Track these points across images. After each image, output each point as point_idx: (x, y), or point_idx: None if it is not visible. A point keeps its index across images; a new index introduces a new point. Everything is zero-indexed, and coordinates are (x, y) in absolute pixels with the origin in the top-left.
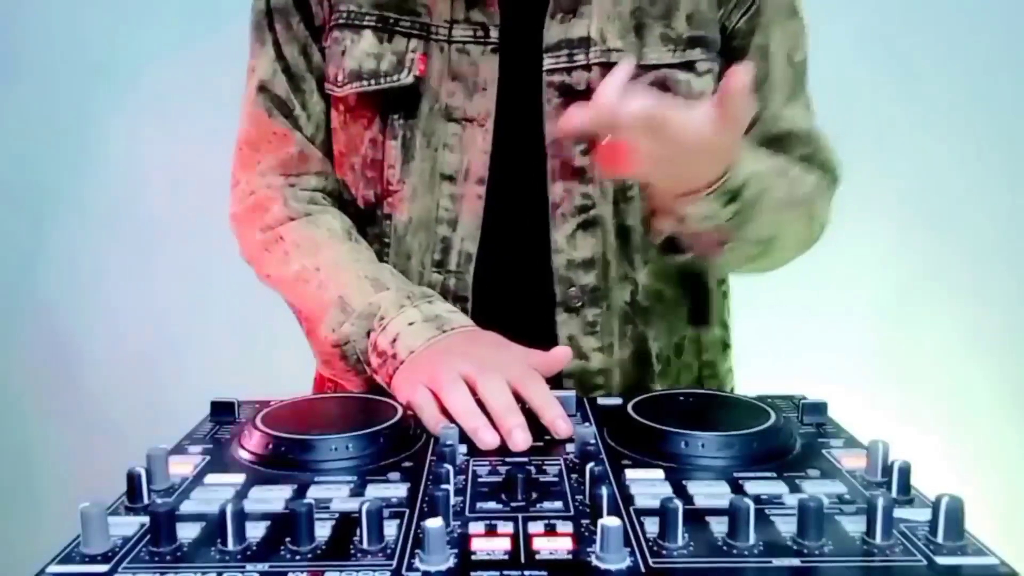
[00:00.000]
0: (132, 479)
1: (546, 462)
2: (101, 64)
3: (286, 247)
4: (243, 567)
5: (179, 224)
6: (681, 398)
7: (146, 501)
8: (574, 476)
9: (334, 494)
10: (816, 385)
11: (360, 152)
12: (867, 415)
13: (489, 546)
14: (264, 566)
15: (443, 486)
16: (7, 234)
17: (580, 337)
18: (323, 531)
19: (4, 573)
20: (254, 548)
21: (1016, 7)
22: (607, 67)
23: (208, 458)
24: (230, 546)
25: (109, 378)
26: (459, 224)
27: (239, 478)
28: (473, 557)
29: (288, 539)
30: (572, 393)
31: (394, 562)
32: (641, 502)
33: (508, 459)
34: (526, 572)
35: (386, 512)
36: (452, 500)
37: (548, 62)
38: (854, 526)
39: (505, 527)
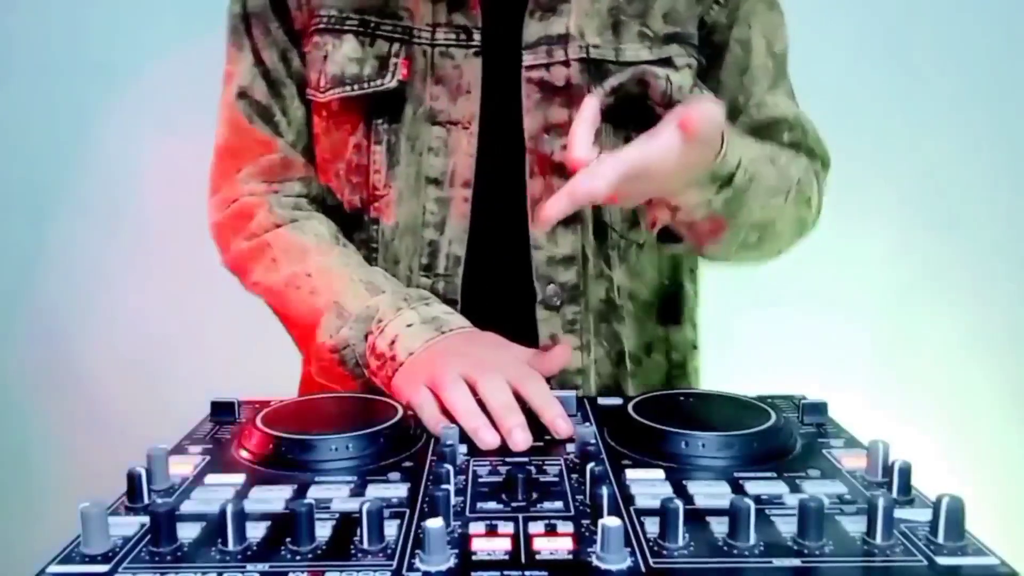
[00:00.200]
0: (132, 479)
1: (546, 462)
2: (100, 63)
3: (274, 254)
4: (243, 567)
5: (179, 224)
6: (681, 398)
7: (146, 501)
8: (574, 476)
9: (334, 494)
10: (816, 385)
11: (345, 158)
12: (867, 415)
13: (489, 546)
14: (264, 566)
15: (443, 486)
16: (6, 234)
17: (561, 335)
18: (323, 531)
19: (4, 573)
20: (254, 548)
21: (1016, 7)
22: (586, 63)
23: (208, 458)
24: (230, 546)
25: (109, 378)
26: (446, 227)
27: (239, 478)
28: (473, 557)
29: (288, 539)
30: (572, 393)
31: (394, 562)
32: (641, 502)
33: (508, 459)
34: (526, 572)
35: (386, 512)
36: (452, 500)
37: (527, 59)
38: (854, 526)
39: (505, 527)
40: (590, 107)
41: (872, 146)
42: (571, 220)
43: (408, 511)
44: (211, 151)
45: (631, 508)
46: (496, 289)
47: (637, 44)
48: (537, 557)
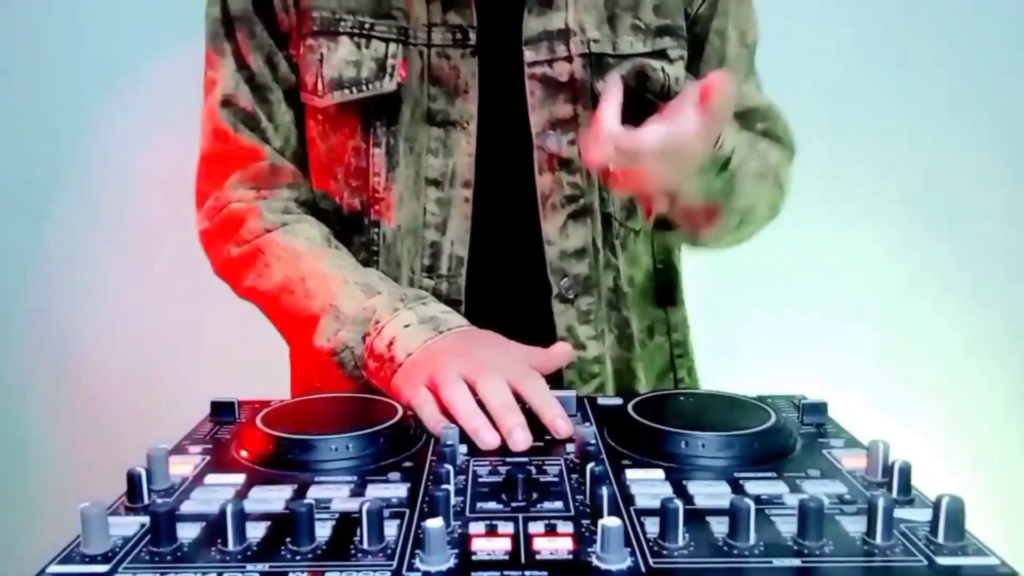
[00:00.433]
0: (132, 479)
1: (546, 462)
2: (99, 63)
3: (266, 259)
4: (243, 567)
5: (179, 223)
6: (681, 398)
7: (146, 501)
8: (574, 476)
9: (334, 494)
10: (816, 385)
11: (344, 161)
12: (867, 415)
13: (489, 546)
14: (264, 566)
15: (443, 486)
16: (6, 234)
17: (577, 327)
18: (323, 531)
19: (4, 573)
20: (254, 548)
21: (1017, 7)
22: (588, 58)
23: (208, 458)
24: (230, 546)
25: (109, 378)
26: (448, 228)
27: (239, 478)
28: (473, 557)
29: (288, 539)
30: (572, 393)
31: (394, 562)
32: (641, 502)
33: (508, 459)
34: (526, 572)
35: (386, 512)
36: (452, 500)
37: (529, 55)
38: (854, 526)
39: (505, 527)
40: (615, 85)
41: (872, 146)
42: (581, 213)
43: (408, 511)
44: None
45: (631, 508)
46: (503, 287)
47: (631, 37)
48: (537, 557)
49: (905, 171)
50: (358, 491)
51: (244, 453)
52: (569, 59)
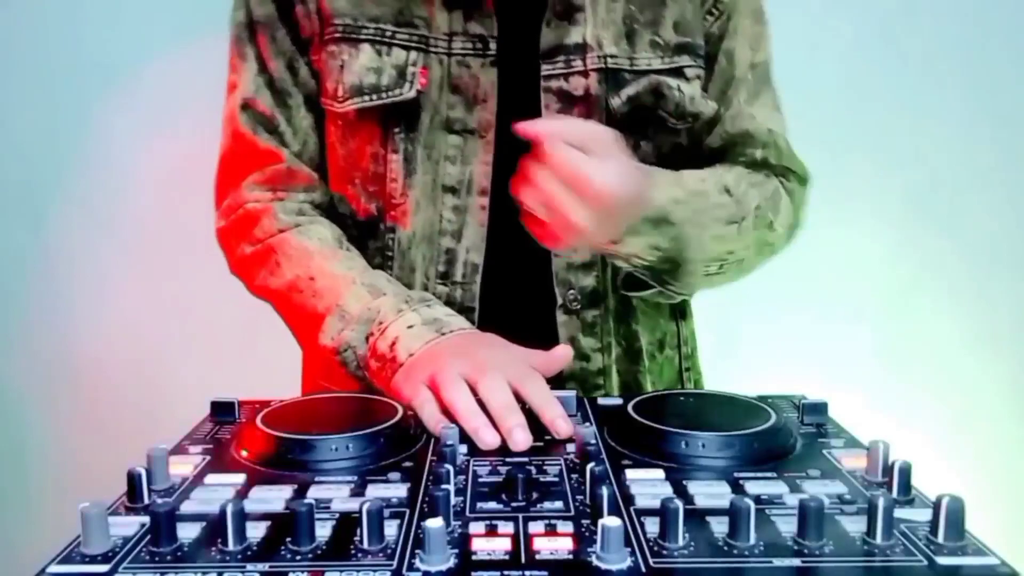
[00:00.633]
0: (132, 479)
1: (546, 462)
2: (100, 63)
3: (278, 258)
4: (243, 567)
5: (179, 223)
6: (681, 398)
7: (146, 501)
8: (574, 476)
9: (334, 494)
10: (816, 385)
11: (361, 167)
12: (867, 415)
13: (489, 546)
14: (264, 566)
15: (443, 486)
16: (6, 234)
17: (581, 338)
18: (323, 531)
19: (4, 573)
20: (254, 548)
21: (1017, 6)
22: (604, 72)
23: (208, 458)
24: (230, 546)
25: (109, 378)
26: (463, 236)
27: (239, 478)
28: (473, 557)
29: (288, 539)
30: (572, 393)
31: (394, 562)
32: (641, 502)
33: (508, 459)
34: (527, 572)
35: (386, 512)
36: (452, 500)
37: (545, 68)
38: (854, 526)
39: (505, 527)
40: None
41: (872, 146)
42: None
43: (408, 511)
44: (211, 151)
45: (631, 508)
46: (515, 295)
47: (650, 53)
48: (537, 557)
49: (905, 171)
50: (358, 491)
51: (244, 453)
52: (585, 73)
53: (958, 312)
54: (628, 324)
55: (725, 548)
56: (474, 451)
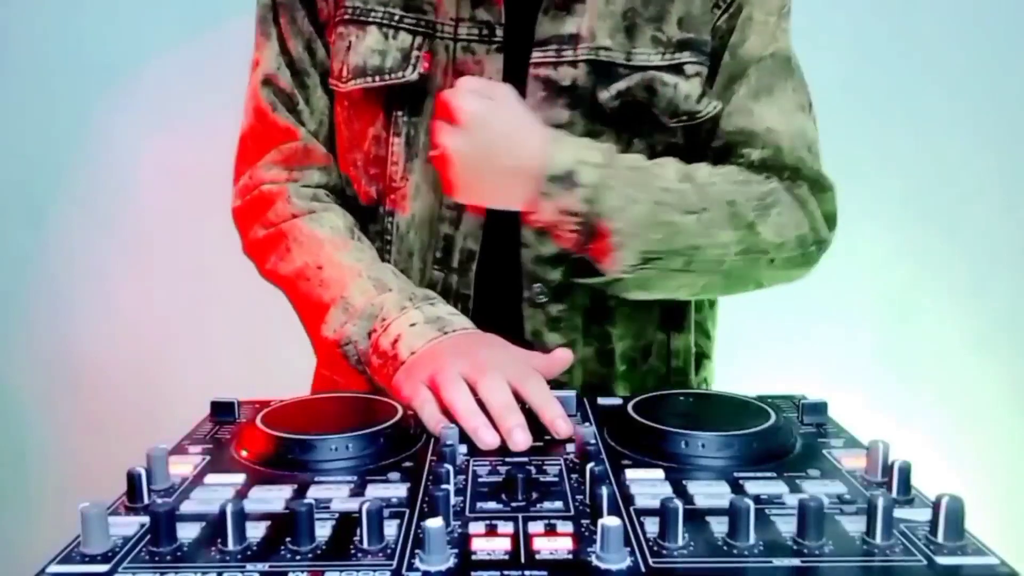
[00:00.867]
0: (132, 479)
1: (546, 462)
2: (99, 62)
3: (288, 244)
4: (243, 567)
5: (179, 223)
6: (681, 398)
7: (146, 501)
8: (574, 476)
9: (334, 494)
10: (816, 385)
11: (363, 148)
12: (867, 415)
13: (489, 546)
14: (264, 566)
15: (443, 486)
16: (6, 234)
17: (545, 332)
18: (323, 531)
19: (4, 573)
20: (254, 548)
21: (1017, 6)
22: (594, 64)
23: (208, 458)
24: (230, 546)
25: (109, 378)
26: (462, 222)
27: (239, 478)
28: (473, 557)
29: (288, 539)
30: (572, 393)
31: (394, 562)
32: (641, 502)
33: (508, 459)
34: (526, 572)
35: (386, 512)
36: (452, 500)
37: (536, 56)
38: (854, 526)
39: (505, 527)
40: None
41: (873, 145)
42: None
43: (408, 511)
44: (211, 150)
45: (631, 508)
46: (499, 285)
47: (650, 49)
48: (537, 557)
49: (906, 171)
50: (358, 491)
51: (244, 453)
52: (574, 64)
53: (958, 312)
54: (601, 324)
55: (725, 548)
56: (474, 451)
